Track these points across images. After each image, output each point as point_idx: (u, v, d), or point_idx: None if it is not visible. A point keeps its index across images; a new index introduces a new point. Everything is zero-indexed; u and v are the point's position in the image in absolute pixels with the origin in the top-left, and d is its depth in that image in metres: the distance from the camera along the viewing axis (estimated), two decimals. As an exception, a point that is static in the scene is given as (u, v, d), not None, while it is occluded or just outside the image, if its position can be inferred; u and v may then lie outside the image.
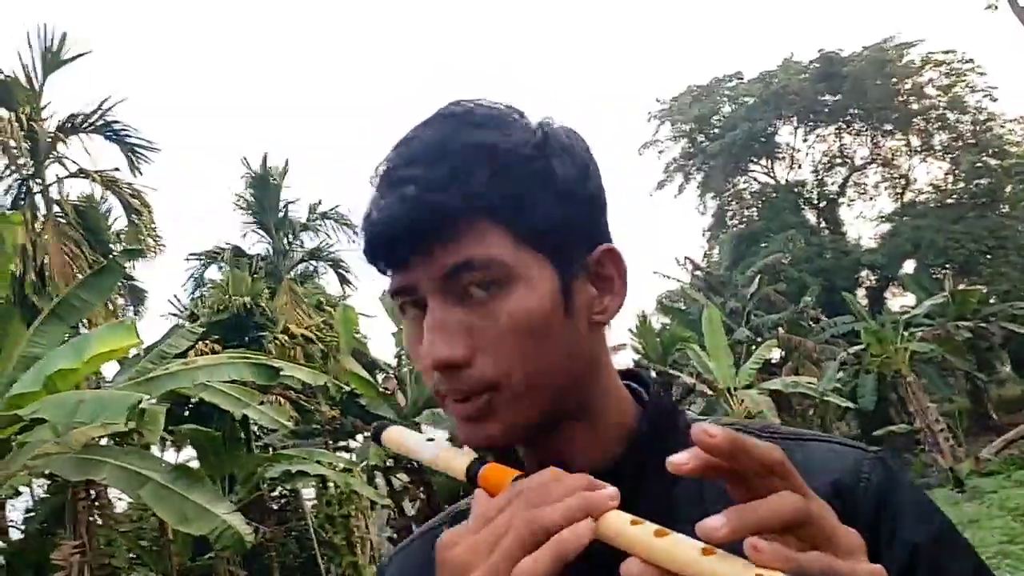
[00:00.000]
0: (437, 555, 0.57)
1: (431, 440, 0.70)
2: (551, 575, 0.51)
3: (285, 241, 18.08)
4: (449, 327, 0.65)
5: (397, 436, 0.73)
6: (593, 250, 0.71)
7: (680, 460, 0.50)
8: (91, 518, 10.88)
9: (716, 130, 33.47)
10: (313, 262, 18.91)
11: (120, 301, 13.89)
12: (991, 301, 24.50)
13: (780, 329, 22.53)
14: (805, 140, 33.84)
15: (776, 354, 21.23)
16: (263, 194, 17.54)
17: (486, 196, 0.65)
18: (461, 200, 0.65)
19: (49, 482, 11.62)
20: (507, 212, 0.66)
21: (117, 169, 13.10)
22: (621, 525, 0.53)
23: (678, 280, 25.88)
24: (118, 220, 13.41)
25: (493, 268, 0.65)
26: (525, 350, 0.66)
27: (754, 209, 34.00)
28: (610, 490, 0.55)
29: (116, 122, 12.79)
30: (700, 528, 0.47)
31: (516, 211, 0.67)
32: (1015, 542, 9.46)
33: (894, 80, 31.18)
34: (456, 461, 0.67)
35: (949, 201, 30.87)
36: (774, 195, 33.40)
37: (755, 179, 34.71)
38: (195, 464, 11.83)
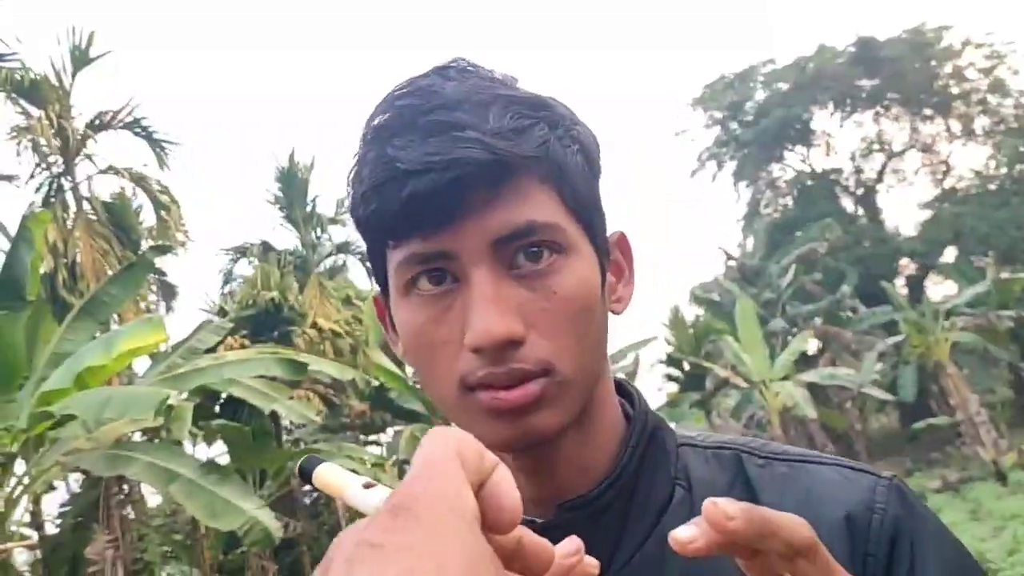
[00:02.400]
0: None
1: (369, 486, 0.56)
2: None
3: (313, 236, 18.21)
4: (503, 300, 0.57)
5: (332, 478, 0.58)
6: (607, 233, 0.66)
7: (686, 537, 0.39)
8: (124, 513, 11.01)
9: (750, 117, 33.00)
10: (341, 256, 19.03)
11: (151, 297, 14.05)
12: (1035, 289, 23.88)
13: (816, 320, 22.16)
14: (841, 126, 33.24)
15: (812, 345, 20.89)
16: (291, 189, 17.69)
17: (545, 154, 0.59)
18: (528, 152, 0.57)
19: (83, 477, 11.77)
20: (558, 176, 0.60)
21: (146, 165, 13.28)
22: None
23: (711, 270, 25.59)
24: (147, 216, 13.60)
25: (552, 234, 0.59)
26: (578, 330, 0.60)
27: (789, 197, 33.50)
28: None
29: (144, 119, 12.97)
30: None
31: (565, 176, 0.60)
32: (1061, 538, 9.18)
33: (933, 63, 30.49)
34: None
35: (991, 187, 30.19)
36: (809, 183, 32.88)
37: (790, 166, 34.18)
38: (225, 459, 11.90)
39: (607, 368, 0.66)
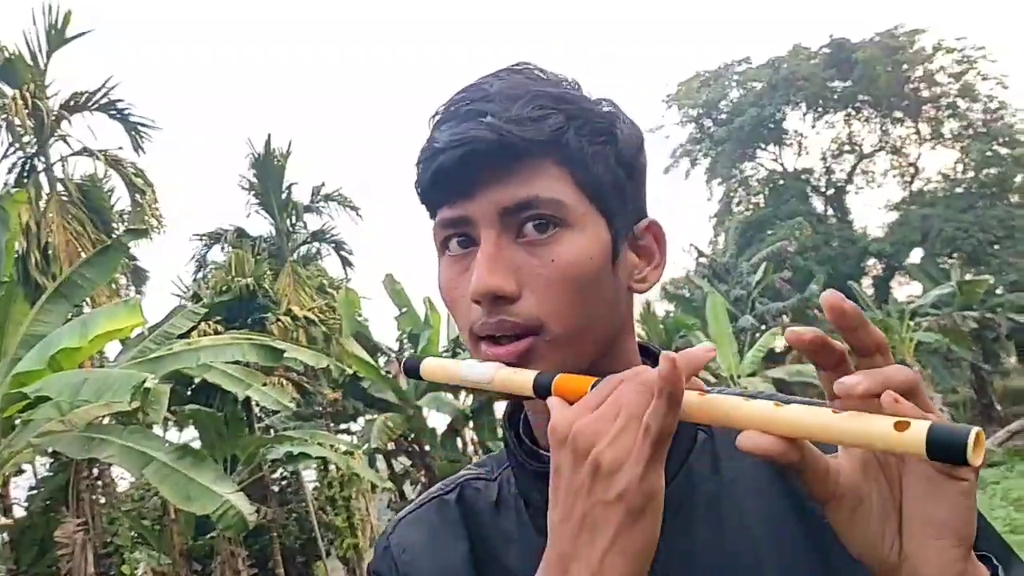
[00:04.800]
0: (553, 436, 0.58)
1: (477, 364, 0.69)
2: (672, 421, 0.55)
3: (288, 223, 18.01)
4: (502, 260, 0.66)
5: (439, 366, 0.72)
6: (639, 220, 0.74)
7: (801, 329, 0.54)
8: (94, 497, 10.92)
9: (724, 115, 33.26)
10: (316, 244, 18.87)
11: (123, 281, 13.87)
12: (998, 291, 24.43)
13: (785, 317, 22.47)
14: (813, 127, 33.65)
15: (780, 342, 21.12)
16: (266, 175, 17.44)
17: (559, 140, 0.67)
18: (538, 137, 0.66)
19: (52, 460, 11.66)
20: (573, 161, 0.68)
21: (120, 148, 13.09)
22: (732, 403, 0.54)
23: (683, 267, 25.83)
24: (121, 199, 13.42)
25: (555, 209, 0.67)
26: (571, 296, 0.66)
27: (761, 196, 33.84)
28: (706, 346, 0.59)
29: (119, 101, 12.77)
30: (840, 385, 0.52)
31: (581, 162, 0.68)
32: (1017, 532, 9.47)
33: (904, 67, 30.94)
34: (517, 378, 0.64)
35: (958, 190, 30.73)
36: (781, 182, 33.24)
37: (762, 165, 34.53)
38: (197, 444, 11.85)
39: (625, 332, 0.74)
